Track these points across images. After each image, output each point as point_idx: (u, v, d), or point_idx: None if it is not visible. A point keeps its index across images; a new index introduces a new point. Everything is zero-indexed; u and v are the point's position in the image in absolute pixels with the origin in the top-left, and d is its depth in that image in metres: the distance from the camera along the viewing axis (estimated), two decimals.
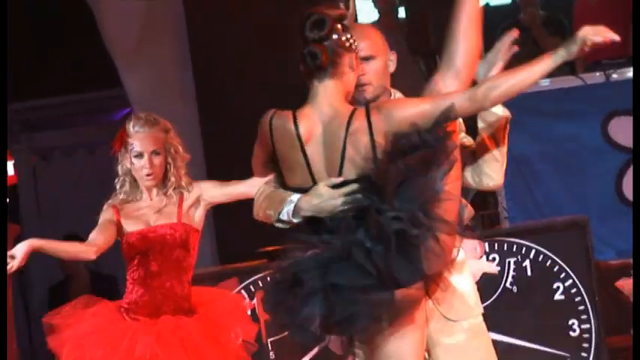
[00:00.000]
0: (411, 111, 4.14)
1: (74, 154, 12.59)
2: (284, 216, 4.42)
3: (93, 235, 5.76)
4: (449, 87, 4.30)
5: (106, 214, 5.89)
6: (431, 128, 4.10)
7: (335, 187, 4.26)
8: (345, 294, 4.16)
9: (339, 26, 4.25)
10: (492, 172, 4.55)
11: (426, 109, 4.09)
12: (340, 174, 4.30)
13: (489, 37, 4.59)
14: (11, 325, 9.73)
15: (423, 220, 4.13)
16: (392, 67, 4.73)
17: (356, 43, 4.32)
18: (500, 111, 4.53)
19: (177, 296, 5.87)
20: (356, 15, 11.07)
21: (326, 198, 4.32)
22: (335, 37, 4.26)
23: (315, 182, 4.33)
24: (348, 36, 4.29)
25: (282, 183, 4.49)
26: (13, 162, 12.95)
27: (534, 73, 4.17)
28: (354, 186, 4.24)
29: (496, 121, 4.57)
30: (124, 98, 10.32)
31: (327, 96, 4.36)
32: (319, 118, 4.33)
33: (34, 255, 7.44)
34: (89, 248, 5.69)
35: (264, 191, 4.67)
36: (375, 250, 4.11)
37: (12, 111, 11.79)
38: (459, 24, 4.55)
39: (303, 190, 4.35)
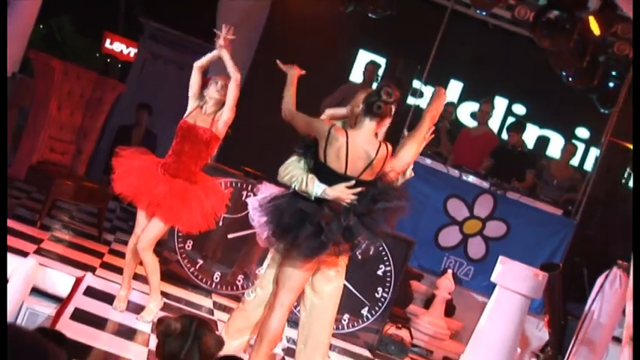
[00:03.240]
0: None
1: (169, 62, 14.18)
2: (310, 191, 5.48)
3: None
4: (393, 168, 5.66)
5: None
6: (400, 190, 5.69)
7: (350, 187, 5.50)
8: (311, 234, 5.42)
9: (395, 103, 5.61)
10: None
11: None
12: (359, 177, 5.51)
13: None
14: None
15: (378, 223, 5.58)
16: None
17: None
18: (408, 174, 6.03)
19: (190, 171, 6.96)
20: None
21: (344, 193, 5.50)
22: (392, 107, 5.59)
23: (345, 172, 5.50)
24: (393, 109, 5.61)
25: (317, 161, 5.58)
26: (136, 50, 15.13)
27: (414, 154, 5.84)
28: (357, 190, 5.50)
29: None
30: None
31: (370, 130, 5.56)
32: (360, 139, 5.50)
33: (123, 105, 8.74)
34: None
35: (292, 164, 5.73)
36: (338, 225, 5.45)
37: (150, 26, 14.09)
38: (413, 137, 5.89)
39: (335, 174, 5.50)
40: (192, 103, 7.05)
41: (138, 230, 7.05)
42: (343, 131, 5.52)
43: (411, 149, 5.84)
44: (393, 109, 5.62)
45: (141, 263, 7.12)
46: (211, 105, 7.00)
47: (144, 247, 6.94)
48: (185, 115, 7.00)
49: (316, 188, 5.47)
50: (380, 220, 5.58)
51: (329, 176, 5.50)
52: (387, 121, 5.67)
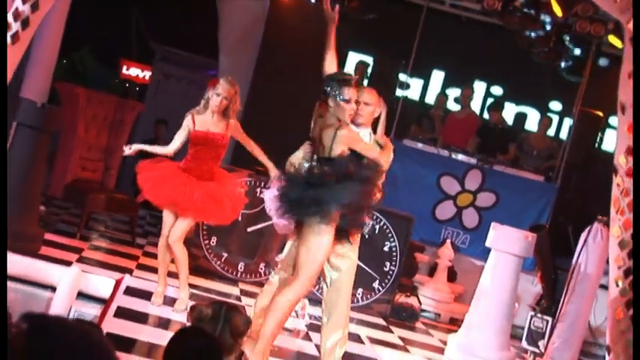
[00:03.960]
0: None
1: (180, 80, 14.22)
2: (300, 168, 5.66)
3: (175, 140, 6.96)
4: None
5: (187, 121, 6.92)
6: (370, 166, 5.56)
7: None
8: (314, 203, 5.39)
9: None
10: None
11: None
12: (329, 153, 5.50)
13: None
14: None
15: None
16: (377, 113, 5.89)
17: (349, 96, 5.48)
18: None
19: (211, 171, 7.01)
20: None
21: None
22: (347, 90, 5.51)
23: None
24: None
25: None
26: (150, 72, 15.09)
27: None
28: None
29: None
30: (216, 64, 11.77)
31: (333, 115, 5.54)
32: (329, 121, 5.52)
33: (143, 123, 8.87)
34: (169, 151, 6.99)
35: (294, 155, 6.00)
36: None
37: (161, 50, 14.11)
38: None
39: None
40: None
41: (165, 231, 7.06)
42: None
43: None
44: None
45: (173, 261, 7.12)
46: (217, 112, 6.94)
47: (174, 240, 6.94)
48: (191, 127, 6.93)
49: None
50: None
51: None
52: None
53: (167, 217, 7.09)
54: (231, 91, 6.92)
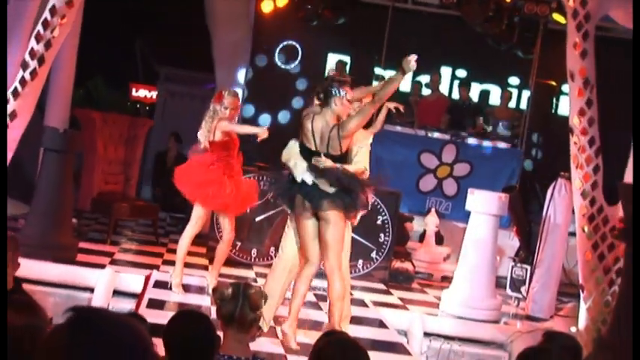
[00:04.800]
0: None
1: (184, 96, 13.98)
2: (296, 175, 5.59)
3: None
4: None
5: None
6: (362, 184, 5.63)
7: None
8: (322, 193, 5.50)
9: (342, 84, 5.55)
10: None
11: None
12: (340, 150, 5.57)
13: None
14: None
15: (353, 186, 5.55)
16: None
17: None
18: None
19: (236, 170, 7.08)
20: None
21: (322, 162, 5.54)
22: (339, 90, 5.52)
23: (315, 148, 5.56)
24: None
25: (302, 143, 5.62)
26: (156, 92, 15.01)
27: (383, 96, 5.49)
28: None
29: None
30: (213, 78, 11.70)
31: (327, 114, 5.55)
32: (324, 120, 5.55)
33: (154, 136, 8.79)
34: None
35: (289, 147, 5.83)
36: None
37: (164, 70, 14.19)
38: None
39: (310, 151, 5.55)
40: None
41: (197, 223, 7.07)
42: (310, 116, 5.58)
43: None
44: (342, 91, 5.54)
45: (205, 255, 7.38)
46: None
47: (228, 237, 7.11)
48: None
49: (298, 176, 5.56)
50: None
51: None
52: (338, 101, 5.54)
53: (198, 211, 7.06)
54: (235, 101, 6.99)
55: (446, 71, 12.71)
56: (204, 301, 6.87)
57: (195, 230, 7.08)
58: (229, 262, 8.56)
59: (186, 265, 7.41)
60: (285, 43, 11.96)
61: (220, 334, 3.59)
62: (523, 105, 12.39)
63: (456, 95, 12.42)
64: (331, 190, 5.50)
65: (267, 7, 10.75)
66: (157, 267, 8.10)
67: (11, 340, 2.21)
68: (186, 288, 7.21)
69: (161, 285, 7.27)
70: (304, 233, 5.62)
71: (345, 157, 5.68)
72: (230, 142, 6.95)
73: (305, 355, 5.30)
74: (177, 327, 3.26)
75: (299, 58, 12.08)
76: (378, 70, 11.92)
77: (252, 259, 8.84)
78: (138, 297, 6.93)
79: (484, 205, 7.92)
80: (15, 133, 7.03)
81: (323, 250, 5.58)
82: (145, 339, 1.49)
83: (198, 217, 7.05)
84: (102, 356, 1.42)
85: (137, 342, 1.47)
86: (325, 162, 5.51)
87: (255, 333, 4.08)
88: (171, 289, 7.10)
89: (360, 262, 8.86)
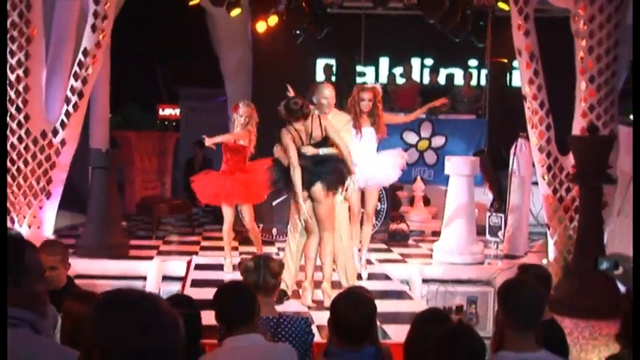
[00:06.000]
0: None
1: (202, 110, 13.93)
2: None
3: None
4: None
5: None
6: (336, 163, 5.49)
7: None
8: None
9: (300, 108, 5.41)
10: None
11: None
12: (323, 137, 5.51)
13: None
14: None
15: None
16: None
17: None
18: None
19: (241, 168, 6.98)
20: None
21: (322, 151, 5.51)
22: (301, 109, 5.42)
23: (302, 144, 5.50)
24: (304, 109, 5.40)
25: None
26: (179, 109, 14.91)
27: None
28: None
29: None
30: (224, 91, 11.58)
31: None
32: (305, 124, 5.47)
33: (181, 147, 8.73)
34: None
35: (289, 145, 5.54)
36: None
37: (183, 90, 14.18)
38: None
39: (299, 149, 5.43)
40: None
41: (227, 220, 7.01)
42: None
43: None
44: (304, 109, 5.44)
45: (234, 239, 7.21)
46: (241, 127, 6.89)
47: (248, 223, 7.09)
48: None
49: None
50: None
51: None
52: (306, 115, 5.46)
53: (225, 210, 7.00)
54: (249, 110, 6.89)
55: (416, 62, 12.59)
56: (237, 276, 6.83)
57: (228, 223, 7.00)
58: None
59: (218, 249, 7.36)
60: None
61: None
62: (482, 82, 12.27)
63: (426, 81, 12.35)
64: (317, 172, 5.46)
65: (261, 28, 10.66)
66: (195, 253, 8.08)
67: (76, 327, 2.18)
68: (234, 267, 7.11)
69: (201, 267, 7.26)
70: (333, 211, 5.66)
71: (325, 142, 5.57)
72: (240, 146, 6.90)
73: (322, 310, 5.38)
74: (225, 298, 3.24)
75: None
76: (358, 68, 11.88)
77: (274, 237, 8.80)
78: (182, 279, 6.94)
79: (460, 168, 7.92)
80: (66, 157, 7.06)
81: (319, 223, 5.62)
82: (171, 313, 1.42)
83: (225, 213, 7.01)
84: (126, 327, 1.38)
85: (162, 315, 1.40)
86: (307, 149, 5.46)
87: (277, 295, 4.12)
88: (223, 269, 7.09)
89: None
